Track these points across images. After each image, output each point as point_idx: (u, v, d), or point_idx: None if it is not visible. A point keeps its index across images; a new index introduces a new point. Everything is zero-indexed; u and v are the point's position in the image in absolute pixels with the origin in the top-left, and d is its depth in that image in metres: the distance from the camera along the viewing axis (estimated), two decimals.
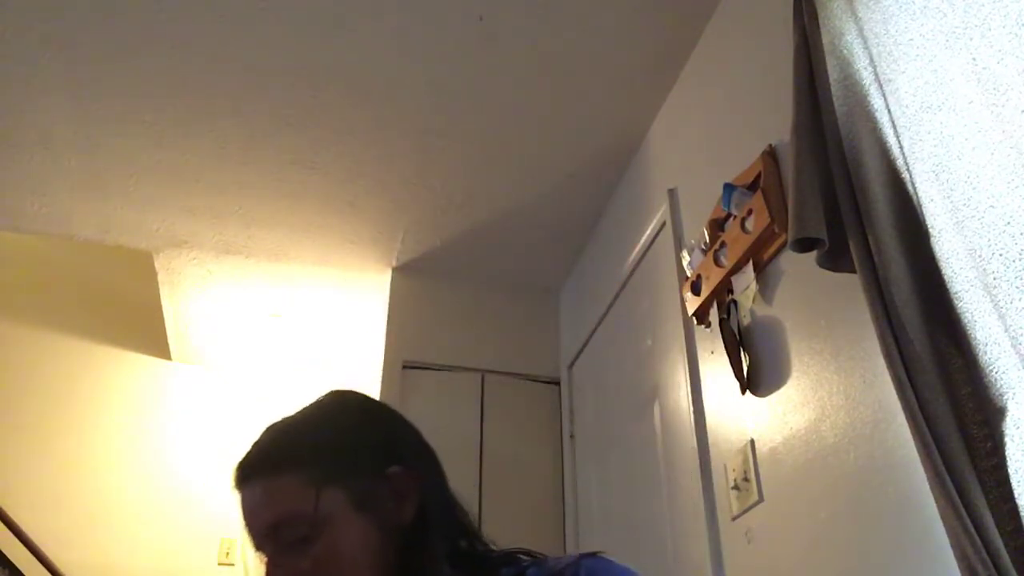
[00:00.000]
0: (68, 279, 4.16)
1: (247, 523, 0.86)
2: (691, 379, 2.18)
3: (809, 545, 1.61)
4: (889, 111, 1.41)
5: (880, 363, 1.31)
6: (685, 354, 2.23)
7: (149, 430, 4.14)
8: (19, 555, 3.40)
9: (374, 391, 3.28)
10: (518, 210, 3.10)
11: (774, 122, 1.88)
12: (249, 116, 2.68)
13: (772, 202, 1.80)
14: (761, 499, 1.78)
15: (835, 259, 1.46)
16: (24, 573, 3.38)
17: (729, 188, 1.98)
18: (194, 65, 2.50)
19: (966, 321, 1.17)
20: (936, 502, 1.13)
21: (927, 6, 1.34)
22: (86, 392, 4.11)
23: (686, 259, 2.21)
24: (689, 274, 2.17)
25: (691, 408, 2.15)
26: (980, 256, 1.16)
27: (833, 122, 1.50)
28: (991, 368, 1.13)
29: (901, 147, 1.37)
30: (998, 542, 1.06)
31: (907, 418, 1.20)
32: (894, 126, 1.39)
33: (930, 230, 1.28)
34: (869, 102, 1.45)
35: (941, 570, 1.21)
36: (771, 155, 1.89)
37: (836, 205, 1.44)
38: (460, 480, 3.20)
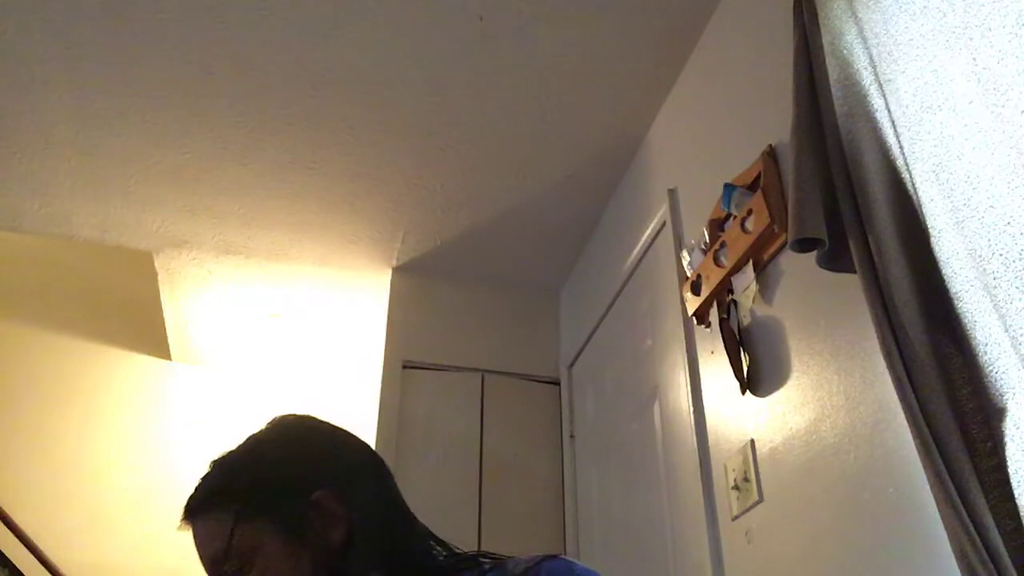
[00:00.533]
0: (68, 279, 4.16)
1: (199, 557, 0.91)
2: (691, 379, 2.18)
3: (809, 545, 1.61)
4: (889, 111, 1.41)
5: (880, 363, 1.31)
6: (685, 354, 2.23)
7: (149, 430, 4.14)
8: (19, 555, 3.40)
9: (374, 391, 3.28)
10: (518, 210, 3.10)
11: (774, 122, 1.88)
12: (249, 116, 2.68)
13: (772, 202, 1.80)
14: (761, 499, 1.78)
15: (835, 259, 1.46)
16: (24, 573, 3.38)
17: (729, 188, 1.98)
18: (194, 65, 2.50)
19: (966, 321, 1.17)
20: (936, 502, 1.13)
21: (927, 6, 1.34)
22: (86, 392, 4.11)
23: (686, 259, 2.21)
24: (689, 274, 2.17)
25: (691, 408, 2.15)
26: (980, 256, 1.16)
27: (833, 122, 1.50)
28: (991, 368, 1.13)
29: (901, 147, 1.37)
30: (998, 542, 1.06)
31: (907, 418, 1.20)
32: (894, 126, 1.39)
33: (930, 230, 1.28)
34: (869, 102, 1.45)
35: (941, 570, 1.21)
36: (771, 155, 1.89)
37: (836, 205, 1.44)
38: (460, 480, 3.21)
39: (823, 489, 1.58)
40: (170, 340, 4.02)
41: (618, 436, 2.74)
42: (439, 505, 2.96)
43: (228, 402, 4.29)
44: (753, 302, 1.91)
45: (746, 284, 1.93)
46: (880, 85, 1.43)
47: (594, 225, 3.18)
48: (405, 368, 3.20)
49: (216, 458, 0.96)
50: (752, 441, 1.85)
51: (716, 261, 2.04)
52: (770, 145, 1.91)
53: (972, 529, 1.07)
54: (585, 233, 3.22)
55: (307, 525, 0.87)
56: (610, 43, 2.45)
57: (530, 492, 3.10)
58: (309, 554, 0.86)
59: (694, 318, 2.17)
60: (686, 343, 2.24)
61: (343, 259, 3.37)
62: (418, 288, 3.41)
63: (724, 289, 2.02)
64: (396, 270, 3.41)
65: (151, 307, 3.77)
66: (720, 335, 2.00)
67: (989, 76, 1.19)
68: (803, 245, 1.48)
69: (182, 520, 0.94)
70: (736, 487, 1.88)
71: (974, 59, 1.23)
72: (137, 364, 4.25)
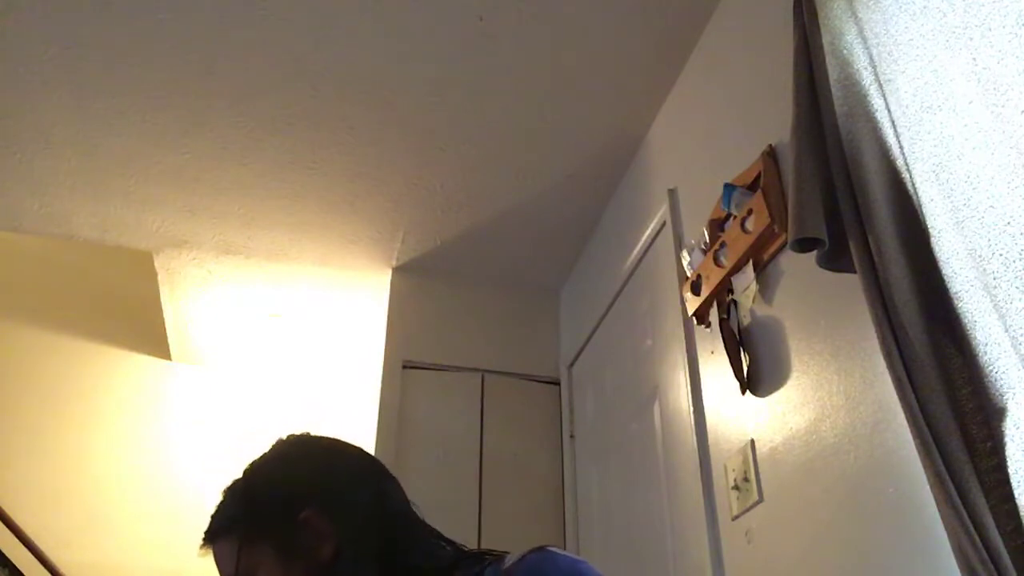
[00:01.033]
0: (68, 279, 4.16)
1: None
2: (691, 379, 2.18)
3: (809, 545, 1.61)
4: (889, 111, 1.41)
5: (880, 363, 1.31)
6: (685, 354, 2.23)
7: (149, 430, 4.14)
8: (19, 555, 3.40)
9: (374, 391, 3.28)
10: (518, 210, 3.10)
11: (774, 122, 1.88)
12: (249, 116, 2.68)
13: (772, 202, 1.80)
14: (761, 499, 1.78)
15: (835, 259, 1.46)
16: (24, 573, 3.38)
17: (729, 188, 1.98)
18: (194, 65, 2.50)
19: (966, 321, 1.17)
20: (936, 502, 1.13)
21: (927, 6, 1.34)
22: (86, 392, 4.11)
23: (686, 259, 2.21)
24: (689, 274, 2.17)
25: (691, 408, 2.15)
26: (980, 256, 1.16)
27: (833, 122, 1.50)
28: (991, 368, 1.13)
29: (901, 147, 1.37)
30: (998, 542, 1.06)
31: (907, 418, 1.20)
32: (894, 126, 1.39)
33: (930, 230, 1.28)
34: (869, 102, 1.45)
35: (941, 570, 1.21)
36: (771, 155, 1.89)
37: (836, 205, 1.44)
38: (460, 480, 3.21)
39: (823, 489, 1.58)
40: (170, 340, 4.02)
41: (618, 436, 2.74)
42: (439, 505, 2.95)
43: (228, 402, 4.29)
44: (753, 302, 1.91)
45: (746, 284, 1.93)
46: (880, 85, 1.43)
47: (594, 225, 3.18)
48: (405, 368, 3.20)
49: (226, 485, 1.03)
50: (752, 441, 1.85)
51: (716, 261, 2.04)
52: (770, 145, 1.91)
53: (972, 529, 1.07)
54: (585, 233, 3.22)
55: (298, 544, 0.94)
56: (610, 43, 2.45)
57: (530, 492, 3.10)
58: (302, 571, 0.93)
59: (694, 318, 2.17)
60: (686, 343, 2.24)
61: (343, 259, 3.37)
62: (418, 288, 3.41)
63: (724, 289, 2.02)
64: (396, 270, 3.41)
65: (151, 307, 3.77)
66: (720, 335, 2.00)
67: (989, 76, 1.19)
68: (803, 245, 1.48)
69: (202, 544, 1.01)
70: (736, 487, 1.88)
71: (974, 59, 1.23)
72: (137, 364, 4.25)
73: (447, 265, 3.39)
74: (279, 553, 0.93)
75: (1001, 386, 1.12)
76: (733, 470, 1.90)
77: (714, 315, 2.07)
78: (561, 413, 3.23)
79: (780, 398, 1.77)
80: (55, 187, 2.96)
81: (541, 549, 0.88)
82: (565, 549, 2.91)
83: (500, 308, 3.46)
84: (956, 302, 1.20)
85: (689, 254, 2.19)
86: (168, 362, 4.24)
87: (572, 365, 3.23)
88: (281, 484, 0.99)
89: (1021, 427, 1.09)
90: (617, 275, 2.84)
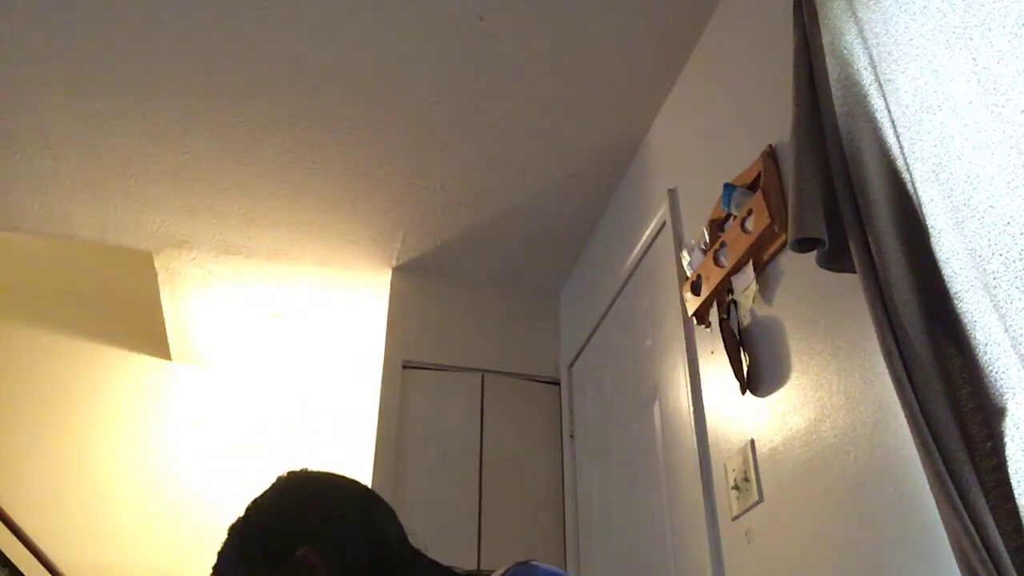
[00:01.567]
0: (68, 279, 4.16)
1: None
2: (691, 379, 2.18)
3: (809, 545, 1.61)
4: (889, 111, 1.41)
5: (880, 363, 1.31)
6: (685, 354, 2.23)
7: (149, 430, 4.14)
8: (19, 555, 3.40)
9: (374, 391, 3.28)
10: (518, 210, 3.10)
11: (774, 122, 1.88)
12: (249, 116, 2.68)
13: (772, 202, 1.80)
14: (761, 499, 1.78)
15: (835, 259, 1.46)
16: (24, 573, 3.38)
17: (729, 188, 1.98)
18: (194, 65, 2.50)
19: (966, 321, 1.17)
20: (936, 502, 1.13)
21: (927, 6, 1.34)
22: (86, 392, 4.11)
23: (686, 259, 2.21)
24: (689, 274, 2.17)
25: (691, 408, 2.15)
26: (980, 256, 1.16)
27: (833, 122, 1.50)
28: (991, 368, 1.13)
29: (901, 147, 1.37)
30: (998, 542, 1.06)
31: (907, 418, 1.20)
32: (894, 126, 1.39)
33: (930, 230, 1.28)
34: (869, 102, 1.45)
35: (941, 570, 1.21)
36: (771, 155, 1.89)
37: (836, 205, 1.44)
38: (460, 480, 3.22)
39: (823, 489, 1.58)
40: (170, 340, 4.02)
41: (618, 436, 2.74)
42: (439, 505, 2.97)
43: (228, 402, 4.29)
44: (753, 302, 1.91)
45: (746, 284, 1.93)
46: (880, 85, 1.43)
47: (594, 225, 3.18)
48: (405, 368, 3.20)
49: (230, 524, 1.06)
50: (752, 441, 1.85)
51: (716, 261, 2.04)
52: (770, 145, 1.91)
53: (972, 529, 1.07)
54: (585, 233, 3.22)
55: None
56: (610, 43, 2.45)
57: (530, 492, 3.10)
58: None
59: (694, 318, 2.17)
60: (686, 343, 2.24)
61: (343, 259, 3.37)
62: (418, 288, 3.41)
63: (724, 289, 2.02)
64: (396, 270, 3.41)
65: (151, 307, 3.77)
66: (720, 335, 2.00)
67: (989, 76, 1.19)
68: (803, 245, 1.48)
69: None
70: (736, 487, 1.88)
71: (974, 59, 1.23)
72: (137, 364, 4.25)
73: (447, 265, 3.40)
74: None
75: (1001, 386, 1.12)
76: (733, 470, 1.90)
77: (714, 315, 2.07)
78: (561, 413, 3.23)
79: (780, 398, 1.77)
80: (55, 187, 2.96)
81: (524, 563, 0.91)
82: (565, 549, 2.91)
83: (500, 308, 3.46)
84: (956, 302, 1.20)
85: (689, 254, 2.19)
86: (168, 362, 4.24)
87: (572, 365, 3.23)
88: (277, 522, 1.03)
89: (1021, 427, 1.09)
90: (617, 275, 2.84)
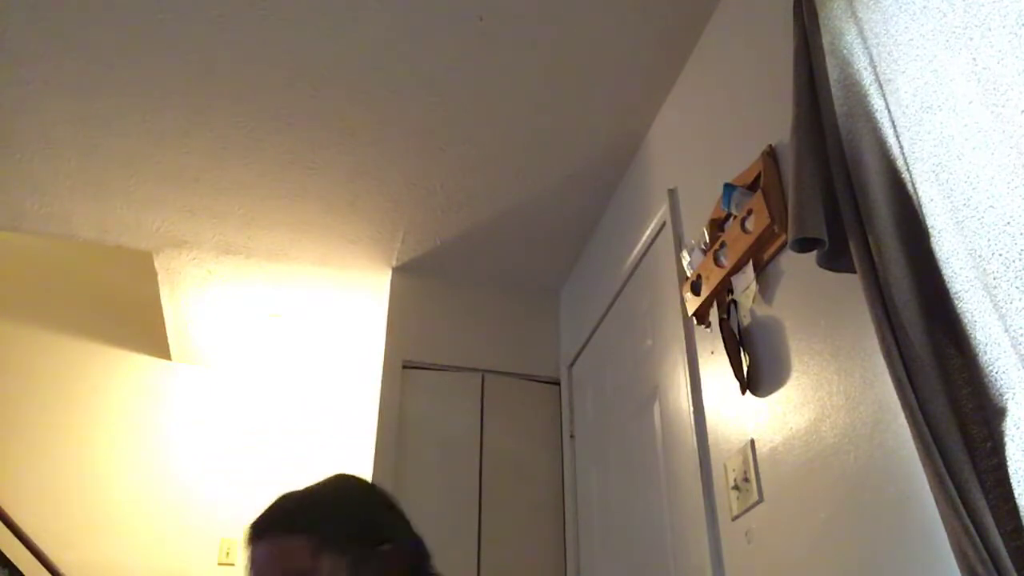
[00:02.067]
0: (68, 279, 4.16)
1: (257, 570, 0.99)
2: (691, 379, 2.18)
3: (809, 545, 1.61)
4: (889, 111, 1.41)
5: (880, 363, 1.31)
6: (685, 354, 2.23)
7: (149, 430, 4.14)
8: (19, 555, 3.40)
9: (374, 391, 3.28)
10: (518, 210, 3.10)
11: (774, 122, 1.88)
12: (249, 116, 2.68)
13: (772, 202, 1.80)
14: (761, 499, 1.78)
15: (835, 259, 1.46)
16: (24, 573, 3.38)
17: (729, 188, 1.98)
18: (194, 65, 2.50)
19: (966, 321, 1.17)
20: (936, 502, 1.13)
21: (927, 6, 1.34)
22: (86, 392, 4.11)
23: (686, 259, 2.21)
24: (689, 274, 2.17)
25: (691, 408, 2.15)
26: (980, 256, 1.16)
27: (833, 122, 1.50)
28: (991, 368, 1.13)
29: (901, 147, 1.37)
30: (998, 542, 1.06)
31: (907, 418, 1.20)
32: (894, 126, 1.39)
33: (930, 230, 1.28)
34: (869, 102, 1.45)
35: (941, 570, 1.21)
36: (771, 155, 1.89)
37: (836, 205, 1.44)
38: (460, 480, 3.21)
39: (823, 489, 1.58)
40: (170, 340, 4.03)
41: (618, 436, 2.74)
42: (439, 505, 2.96)
43: (228, 402, 4.29)
44: (753, 302, 1.91)
45: (746, 284, 1.93)
46: (880, 85, 1.43)
47: (594, 225, 3.18)
48: (405, 368, 3.20)
49: (285, 492, 1.05)
50: (752, 441, 1.85)
51: (716, 261, 2.04)
52: (770, 145, 1.91)
53: (972, 529, 1.07)
54: (585, 233, 3.22)
55: (373, 571, 0.98)
56: (610, 43, 2.45)
57: (530, 492, 3.10)
58: None
59: (694, 318, 2.17)
60: (686, 343, 2.24)
61: (343, 259, 3.37)
62: (418, 288, 3.41)
63: (724, 289, 2.02)
64: (396, 270, 3.41)
65: (151, 307, 3.78)
66: (720, 335, 2.00)
67: (989, 76, 1.19)
68: (803, 245, 1.48)
69: (250, 538, 1.01)
70: (736, 487, 1.88)
71: (974, 59, 1.23)
72: (137, 364, 4.25)
73: (447, 265, 3.40)
74: (351, 570, 0.97)
75: (1001, 386, 1.12)
76: (733, 470, 1.90)
77: (714, 315, 2.07)
78: (561, 413, 3.23)
79: (780, 398, 1.77)
80: (55, 187, 2.96)
81: None
82: (565, 550, 2.91)
83: (500, 308, 3.46)
84: (956, 302, 1.20)
85: (689, 254, 2.19)
86: (168, 362, 4.25)
87: (572, 365, 3.23)
88: (371, 512, 1.04)
89: (1021, 427, 1.09)
90: (617, 275, 2.84)
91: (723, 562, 1.92)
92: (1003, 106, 1.16)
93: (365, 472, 3.11)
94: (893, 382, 1.24)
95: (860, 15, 1.52)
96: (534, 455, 3.17)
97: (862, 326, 1.46)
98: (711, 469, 2.03)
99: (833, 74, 1.54)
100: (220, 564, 3.94)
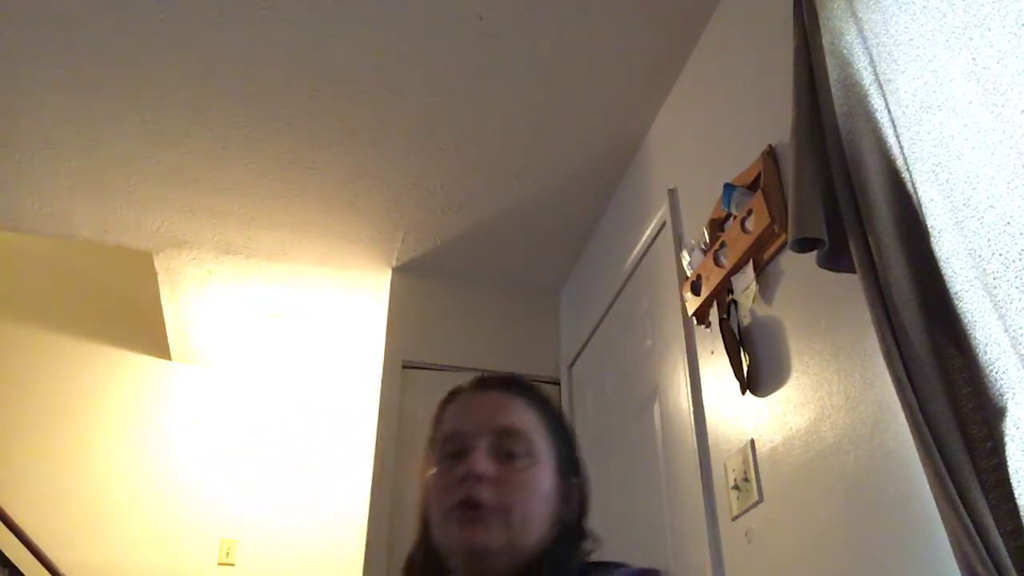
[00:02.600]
0: (68, 279, 4.16)
1: (468, 419, 0.94)
2: (691, 379, 2.18)
3: (809, 545, 1.61)
4: (889, 111, 1.41)
5: (880, 363, 1.31)
6: (685, 354, 2.23)
7: (149, 430, 4.14)
8: (19, 555, 3.40)
9: (374, 391, 3.28)
10: (518, 210, 3.10)
11: (774, 122, 1.88)
12: (249, 116, 2.68)
13: (772, 202, 1.80)
14: (761, 499, 1.78)
15: (835, 259, 1.46)
16: (24, 573, 3.38)
17: (729, 188, 1.98)
18: (194, 65, 2.50)
19: (966, 321, 1.17)
20: (936, 502, 1.13)
21: (927, 6, 1.34)
22: (86, 392, 4.11)
23: (686, 259, 2.21)
24: (689, 274, 2.17)
25: (691, 408, 2.14)
26: (980, 256, 1.16)
27: (833, 122, 1.50)
28: (991, 368, 1.13)
29: (901, 147, 1.37)
30: (998, 542, 1.06)
31: (907, 418, 1.20)
32: (894, 126, 1.39)
33: (930, 230, 1.28)
34: (869, 102, 1.44)
35: (941, 570, 1.21)
36: (771, 155, 1.89)
37: (836, 205, 1.44)
38: None
39: (823, 489, 1.58)
40: (170, 340, 4.03)
41: (618, 436, 2.73)
42: None
43: (228, 402, 4.29)
44: (753, 302, 1.91)
45: (746, 284, 1.93)
46: (880, 85, 1.43)
47: (594, 225, 3.18)
48: (405, 368, 3.20)
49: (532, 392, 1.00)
50: (752, 441, 1.85)
51: (716, 261, 2.03)
52: (770, 145, 1.91)
53: (972, 529, 1.07)
54: (585, 233, 3.22)
55: (562, 493, 0.92)
56: (610, 43, 2.45)
57: None
58: (556, 503, 0.91)
59: (694, 318, 2.17)
60: (686, 343, 2.24)
61: (343, 259, 3.37)
62: (418, 288, 3.41)
63: (724, 289, 2.02)
64: (396, 270, 3.41)
65: (151, 307, 3.78)
66: (720, 335, 2.00)
67: (989, 76, 1.19)
68: (803, 245, 1.48)
69: (475, 387, 0.99)
70: (736, 487, 1.88)
71: (974, 59, 1.23)
72: (137, 364, 4.25)
73: (447, 265, 3.39)
74: (558, 476, 0.92)
75: (1001, 386, 1.12)
76: (733, 470, 1.90)
77: (714, 315, 2.07)
78: None
79: (780, 398, 1.77)
80: (55, 187, 2.96)
81: (655, 573, 0.92)
82: None
83: (500, 308, 3.46)
84: (956, 302, 1.20)
85: (689, 254, 2.19)
86: (168, 362, 4.25)
87: (572, 365, 3.23)
88: (574, 439, 0.99)
89: (1021, 427, 1.09)
90: (617, 275, 2.84)
91: (723, 562, 1.92)
92: (1003, 106, 1.16)
93: (365, 473, 3.11)
94: (893, 382, 1.24)
95: (860, 15, 1.52)
96: None
97: (862, 326, 1.46)
98: (711, 469, 2.03)
99: (833, 74, 1.54)
100: (220, 564, 3.94)
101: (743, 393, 1.90)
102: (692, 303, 2.15)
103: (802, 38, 1.63)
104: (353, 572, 3.05)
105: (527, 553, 0.87)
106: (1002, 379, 1.11)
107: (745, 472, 1.84)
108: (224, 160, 2.85)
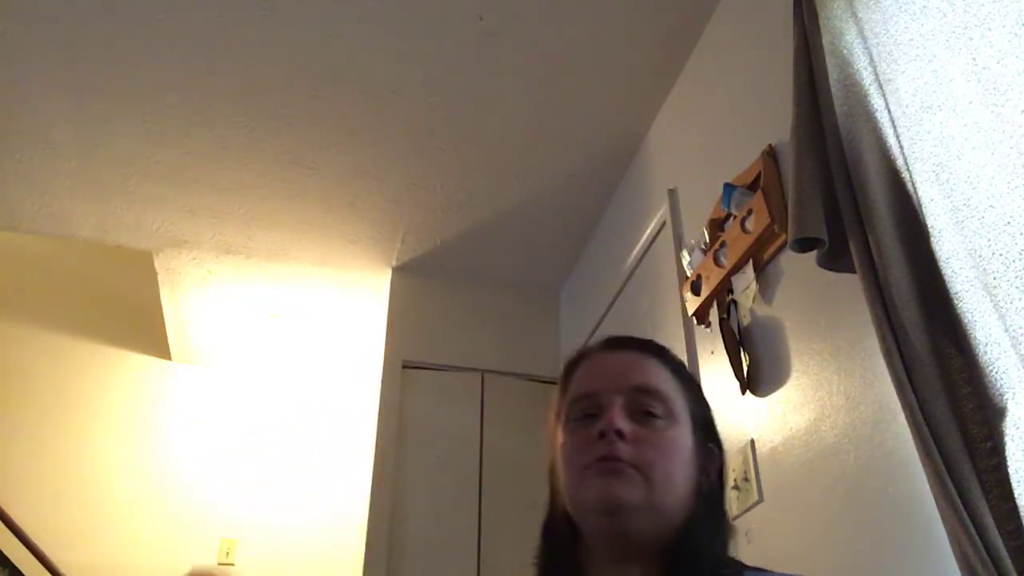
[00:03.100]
0: (68, 279, 4.16)
1: (601, 378, 0.88)
2: None
3: (809, 545, 1.61)
4: (889, 111, 1.41)
5: (880, 363, 1.31)
6: (685, 354, 2.23)
7: (149, 430, 4.14)
8: (19, 555, 3.40)
9: (374, 391, 3.28)
10: (518, 210, 3.10)
11: (774, 122, 1.88)
12: (249, 116, 2.68)
13: (772, 202, 1.80)
14: (761, 499, 1.78)
15: (835, 259, 1.46)
16: (24, 573, 3.38)
17: (729, 188, 1.98)
18: (194, 65, 2.50)
19: (966, 321, 1.17)
20: (936, 502, 1.13)
21: (927, 6, 1.34)
22: (86, 392, 4.11)
23: (686, 259, 2.21)
24: (689, 274, 2.17)
25: None
26: (980, 256, 1.16)
27: (833, 122, 1.50)
28: (991, 368, 1.13)
29: (901, 147, 1.37)
30: (998, 542, 1.06)
31: (907, 418, 1.20)
32: (894, 126, 1.39)
33: (930, 230, 1.28)
34: (869, 102, 1.45)
35: (941, 570, 1.21)
36: (771, 155, 1.89)
37: (836, 205, 1.44)
38: (460, 480, 3.20)
39: (823, 489, 1.58)
40: (170, 340, 4.03)
41: None
42: (439, 505, 2.96)
43: (228, 402, 4.29)
44: (753, 302, 1.91)
45: (746, 284, 1.93)
46: (880, 85, 1.43)
47: (594, 225, 3.17)
48: (405, 368, 3.20)
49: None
50: (752, 441, 1.85)
51: (716, 261, 2.03)
52: (770, 145, 1.91)
53: (972, 529, 1.07)
54: (585, 233, 3.22)
55: (697, 456, 0.86)
56: (610, 43, 2.45)
57: (530, 492, 3.09)
58: (694, 466, 0.85)
59: (694, 318, 2.17)
60: (686, 343, 2.23)
61: (343, 259, 3.37)
62: (418, 288, 3.41)
63: (724, 289, 2.02)
64: (396, 270, 3.41)
65: (151, 307, 3.78)
66: (720, 335, 2.00)
67: (989, 76, 1.19)
68: (803, 245, 1.48)
69: (608, 346, 0.93)
70: (736, 487, 1.88)
71: (974, 59, 1.23)
72: (137, 364, 4.25)
73: (447, 265, 3.39)
74: (696, 439, 0.86)
75: (1001, 386, 1.12)
76: (733, 470, 1.90)
77: (714, 315, 2.07)
78: None
79: (780, 398, 1.77)
80: (55, 187, 2.96)
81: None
82: None
83: (500, 308, 3.46)
84: (956, 302, 1.20)
85: (689, 254, 2.19)
86: (168, 362, 4.25)
87: None
88: (710, 409, 0.94)
89: (1021, 427, 1.09)
90: (617, 275, 2.84)
91: None
92: (1003, 106, 1.16)
93: (365, 473, 3.11)
94: (893, 382, 1.24)
95: (860, 15, 1.52)
96: (534, 455, 3.16)
97: (862, 326, 1.46)
98: None
99: (833, 74, 1.54)
100: (220, 564, 3.93)
101: (743, 393, 1.90)
102: (692, 303, 2.15)
103: (802, 38, 1.63)
104: (353, 572, 3.05)
105: (668, 517, 0.80)
106: (1002, 379, 1.11)
107: (745, 472, 1.84)
108: (224, 160, 2.85)
